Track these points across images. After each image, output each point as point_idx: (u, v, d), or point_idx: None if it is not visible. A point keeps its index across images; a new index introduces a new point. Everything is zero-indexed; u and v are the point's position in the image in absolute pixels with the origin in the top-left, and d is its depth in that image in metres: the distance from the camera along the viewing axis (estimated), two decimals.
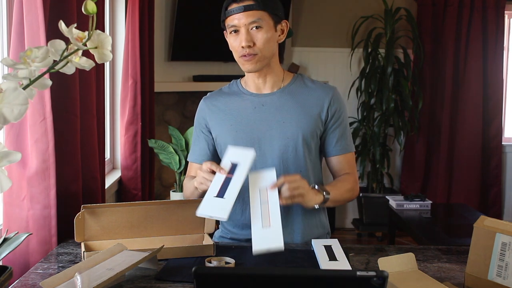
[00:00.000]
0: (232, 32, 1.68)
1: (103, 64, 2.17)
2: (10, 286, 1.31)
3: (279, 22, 1.71)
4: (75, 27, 0.99)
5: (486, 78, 4.69)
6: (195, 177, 1.81)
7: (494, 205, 4.79)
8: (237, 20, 1.65)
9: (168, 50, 3.84)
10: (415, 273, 1.38)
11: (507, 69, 4.87)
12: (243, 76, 1.84)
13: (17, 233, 1.38)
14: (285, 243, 1.48)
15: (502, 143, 4.80)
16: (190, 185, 1.73)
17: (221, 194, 1.45)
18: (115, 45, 3.02)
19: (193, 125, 3.05)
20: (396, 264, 1.38)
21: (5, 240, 1.34)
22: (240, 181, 1.48)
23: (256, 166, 1.71)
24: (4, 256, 1.31)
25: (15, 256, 1.58)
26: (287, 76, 1.79)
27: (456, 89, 4.69)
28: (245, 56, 1.66)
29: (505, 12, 4.66)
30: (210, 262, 1.46)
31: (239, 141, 1.72)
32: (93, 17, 0.98)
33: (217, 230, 1.89)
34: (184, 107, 3.99)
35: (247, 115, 1.74)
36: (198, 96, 4.12)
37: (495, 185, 4.79)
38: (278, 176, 1.57)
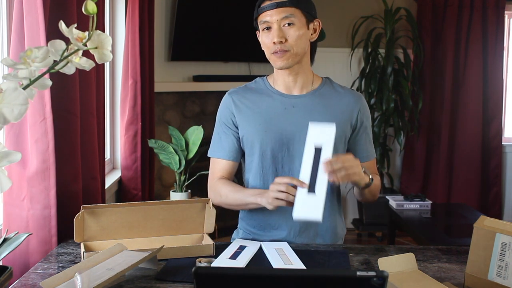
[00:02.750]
0: (265, 29, 1.67)
1: (103, 64, 2.17)
2: (10, 286, 1.31)
3: (311, 21, 1.71)
4: (75, 27, 0.99)
5: (486, 78, 4.69)
6: (226, 177, 1.77)
7: (494, 205, 4.79)
8: (269, 16, 1.65)
9: (168, 50, 3.84)
10: (415, 273, 1.38)
11: (507, 69, 4.87)
12: (253, 76, 1.83)
13: (17, 233, 1.38)
14: (308, 245, 1.53)
15: (502, 143, 4.80)
16: (240, 197, 1.68)
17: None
18: (115, 45, 3.02)
19: (193, 125, 3.09)
20: (396, 264, 1.38)
21: (5, 240, 1.34)
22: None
23: (284, 168, 1.70)
24: (4, 256, 1.31)
25: (15, 256, 1.58)
26: (316, 78, 1.78)
27: (456, 89, 4.70)
28: (276, 52, 1.66)
29: (505, 12, 4.66)
30: (201, 262, 1.46)
31: (267, 142, 1.70)
32: (93, 17, 0.98)
33: (236, 231, 1.86)
34: (184, 107, 3.99)
35: (277, 115, 1.72)
36: (198, 96, 4.15)
37: (495, 185, 4.79)
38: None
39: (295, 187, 1.50)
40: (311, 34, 1.72)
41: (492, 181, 4.78)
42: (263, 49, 1.73)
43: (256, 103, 1.75)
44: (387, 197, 3.93)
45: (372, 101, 4.58)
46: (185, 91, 3.97)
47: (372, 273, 0.81)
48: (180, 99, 3.95)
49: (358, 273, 0.81)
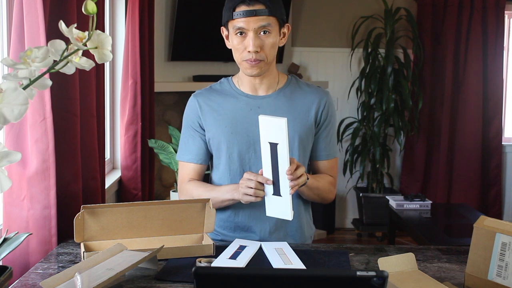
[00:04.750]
0: (238, 34, 1.64)
1: (103, 64, 2.17)
2: (10, 286, 1.31)
3: (282, 26, 1.70)
4: (75, 27, 0.99)
5: (486, 78, 4.69)
6: (196, 179, 1.78)
7: (494, 205, 4.79)
8: (246, 23, 1.61)
9: (168, 50, 3.84)
10: (415, 273, 1.38)
11: (507, 69, 4.87)
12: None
13: (17, 233, 1.38)
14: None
15: (502, 143, 4.80)
16: (215, 195, 1.68)
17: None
18: (115, 45, 3.02)
19: None
20: (396, 264, 1.38)
21: (5, 240, 1.34)
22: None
23: (251, 169, 1.70)
24: (4, 256, 1.31)
25: (15, 256, 1.58)
26: (281, 78, 1.78)
27: (456, 89, 4.69)
28: (250, 61, 1.64)
29: (505, 12, 4.66)
30: (201, 262, 1.46)
31: (234, 144, 1.70)
32: (93, 17, 0.98)
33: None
34: (184, 107, 3.98)
35: (242, 117, 1.72)
36: None
37: (495, 185, 4.79)
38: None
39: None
40: (281, 39, 1.71)
41: (492, 181, 4.78)
42: (230, 47, 1.71)
43: (221, 105, 1.74)
44: (387, 197, 3.93)
45: (372, 101, 4.58)
46: (185, 91, 3.96)
47: (372, 273, 0.81)
48: (180, 99, 3.95)
49: (358, 273, 0.81)
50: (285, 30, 1.72)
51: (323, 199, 1.78)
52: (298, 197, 1.77)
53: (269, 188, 1.54)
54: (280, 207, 1.54)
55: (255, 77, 1.72)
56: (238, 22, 1.62)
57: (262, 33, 1.63)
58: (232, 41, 1.68)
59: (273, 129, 1.49)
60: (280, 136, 1.48)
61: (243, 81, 1.75)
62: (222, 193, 1.68)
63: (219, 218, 1.78)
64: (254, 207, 1.71)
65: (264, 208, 1.64)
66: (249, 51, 1.63)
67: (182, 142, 1.80)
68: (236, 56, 1.69)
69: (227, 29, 1.70)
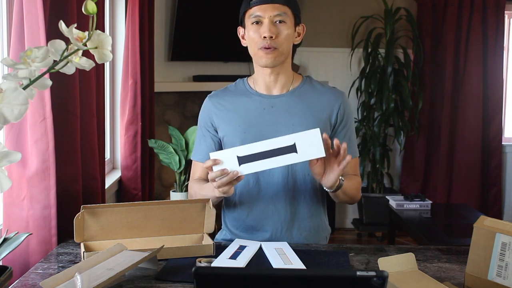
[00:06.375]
0: (254, 23, 1.66)
1: (103, 64, 2.17)
2: (10, 286, 1.31)
3: (298, 24, 1.72)
4: (75, 27, 0.99)
5: (486, 78, 4.68)
6: (202, 178, 1.78)
7: (494, 205, 4.79)
8: (262, 11, 1.65)
9: (168, 50, 3.84)
10: (415, 273, 1.38)
11: (507, 69, 4.87)
12: (247, 75, 1.84)
13: (17, 233, 1.38)
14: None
15: (502, 143, 4.80)
16: (206, 193, 1.67)
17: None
18: (115, 45, 3.02)
19: (193, 125, 3.09)
20: (396, 264, 1.38)
21: (5, 240, 1.34)
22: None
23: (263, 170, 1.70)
24: (4, 256, 1.31)
25: (15, 256, 1.58)
26: (296, 78, 1.78)
27: (456, 89, 4.69)
28: (265, 48, 1.65)
29: (505, 12, 4.66)
30: (201, 262, 1.46)
31: (247, 142, 1.69)
32: (93, 17, 0.98)
33: (219, 232, 1.87)
34: (184, 107, 3.99)
35: (256, 116, 1.72)
36: (198, 96, 4.16)
37: (495, 185, 4.79)
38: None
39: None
40: (296, 37, 1.73)
41: (492, 181, 4.78)
42: (246, 45, 1.73)
43: (235, 104, 1.75)
44: (387, 197, 3.93)
45: (372, 101, 4.58)
46: (185, 91, 3.97)
47: (372, 273, 0.81)
48: (180, 99, 3.95)
49: (358, 273, 0.81)
50: (300, 29, 1.74)
51: (353, 199, 1.75)
52: (316, 197, 1.76)
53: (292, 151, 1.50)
54: (308, 146, 1.49)
55: (270, 74, 1.72)
56: (255, 10, 1.66)
57: (278, 22, 1.65)
58: (248, 33, 1.70)
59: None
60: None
61: (258, 81, 1.76)
62: (210, 190, 1.64)
63: (231, 217, 1.79)
64: (266, 206, 1.71)
65: (275, 207, 1.68)
66: (264, 37, 1.64)
67: (196, 142, 1.84)
68: (252, 47, 1.70)
69: (243, 25, 1.72)
